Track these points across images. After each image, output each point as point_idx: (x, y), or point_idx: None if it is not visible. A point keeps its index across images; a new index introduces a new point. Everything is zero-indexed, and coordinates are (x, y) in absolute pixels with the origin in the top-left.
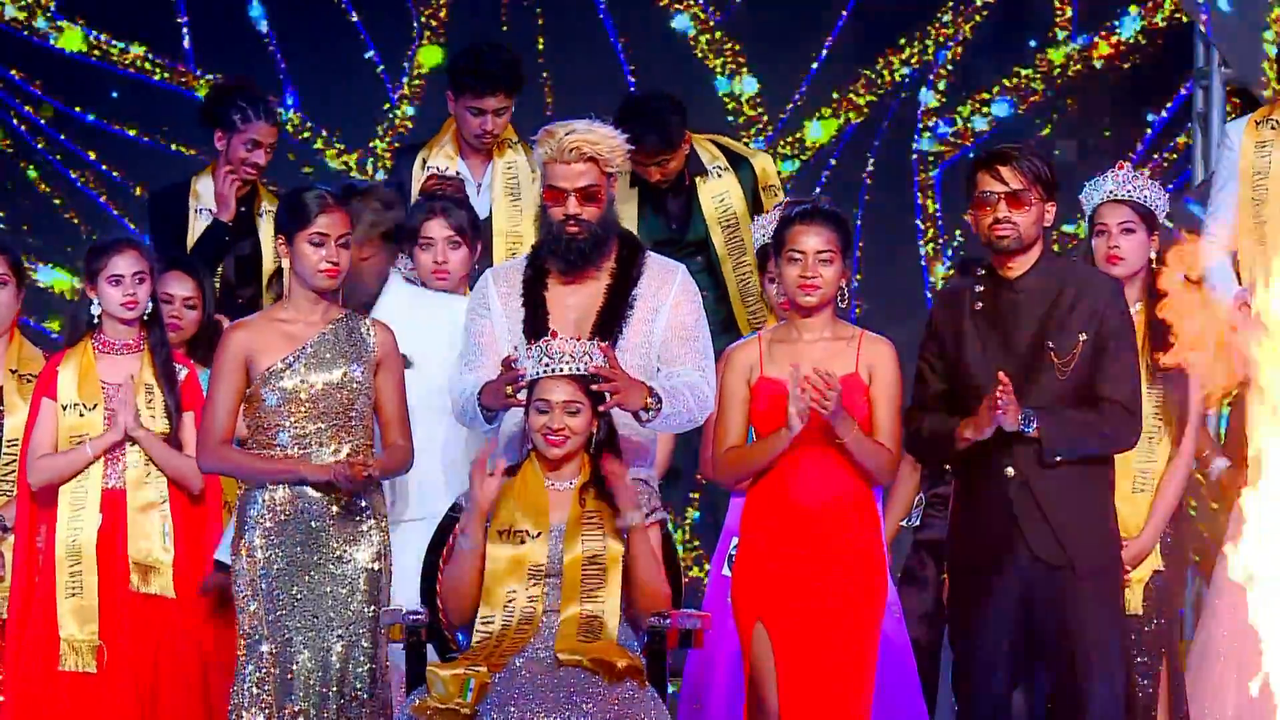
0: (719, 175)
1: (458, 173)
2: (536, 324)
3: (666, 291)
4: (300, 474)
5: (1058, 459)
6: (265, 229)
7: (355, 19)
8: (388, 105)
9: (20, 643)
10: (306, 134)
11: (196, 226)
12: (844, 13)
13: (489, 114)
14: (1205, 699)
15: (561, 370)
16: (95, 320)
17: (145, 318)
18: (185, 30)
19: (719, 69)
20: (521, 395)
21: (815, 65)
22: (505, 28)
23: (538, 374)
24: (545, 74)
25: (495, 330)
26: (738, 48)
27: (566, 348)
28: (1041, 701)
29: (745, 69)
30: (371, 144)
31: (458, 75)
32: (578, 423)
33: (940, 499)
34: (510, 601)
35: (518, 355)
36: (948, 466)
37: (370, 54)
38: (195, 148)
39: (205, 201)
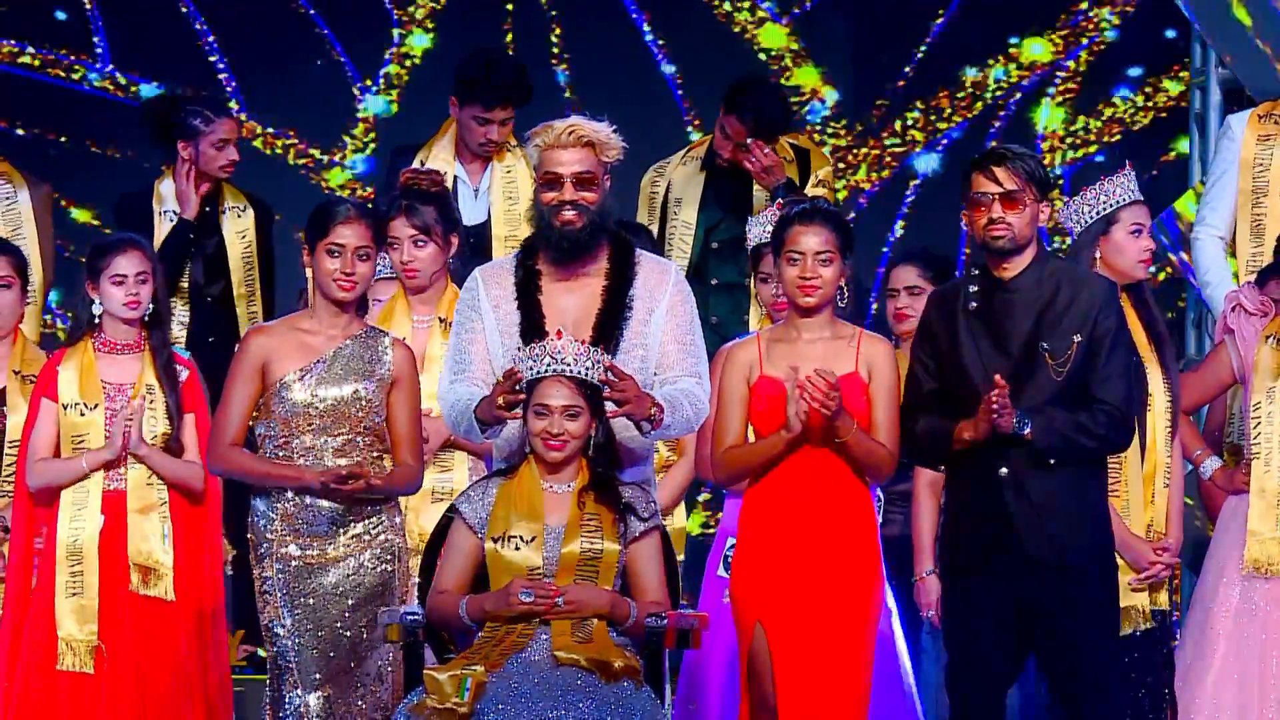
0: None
1: (455, 176)
2: (532, 327)
3: (662, 291)
4: (304, 482)
5: (1051, 460)
6: (229, 227)
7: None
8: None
9: (19, 643)
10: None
11: (162, 228)
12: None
13: (495, 124)
14: (1202, 697)
15: (566, 371)
16: (96, 320)
17: (147, 318)
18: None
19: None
20: (517, 411)
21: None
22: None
23: (541, 373)
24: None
25: (487, 336)
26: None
27: (571, 349)
28: (1036, 701)
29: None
30: (343, 140)
31: (466, 85)
32: (577, 426)
33: (899, 495)
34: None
35: (521, 361)
36: (943, 467)
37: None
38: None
39: (169, 203)
